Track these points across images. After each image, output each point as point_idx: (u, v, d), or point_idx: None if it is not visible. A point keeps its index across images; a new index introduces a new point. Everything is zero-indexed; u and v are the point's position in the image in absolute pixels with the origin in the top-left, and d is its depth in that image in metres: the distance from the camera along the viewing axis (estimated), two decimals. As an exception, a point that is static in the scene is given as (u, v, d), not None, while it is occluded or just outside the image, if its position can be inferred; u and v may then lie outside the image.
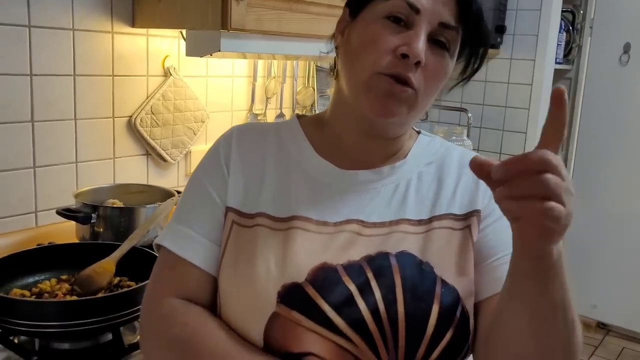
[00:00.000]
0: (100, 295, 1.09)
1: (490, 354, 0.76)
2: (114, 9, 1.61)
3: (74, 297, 1.09)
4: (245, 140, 0.88)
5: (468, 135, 2.83)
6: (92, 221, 1.37)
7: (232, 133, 0.90)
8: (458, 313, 0.76)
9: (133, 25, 1.65)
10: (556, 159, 0.54)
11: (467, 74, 0.86)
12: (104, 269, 1.13)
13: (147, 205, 1.41)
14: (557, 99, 0.56)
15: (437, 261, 0.78)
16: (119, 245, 1.21)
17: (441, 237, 0.81)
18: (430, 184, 0.86)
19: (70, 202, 1.47)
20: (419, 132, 0.94)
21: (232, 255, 0.80)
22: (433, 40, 0.78)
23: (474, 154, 0.89)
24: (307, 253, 0.77)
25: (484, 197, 0.85)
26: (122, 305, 1.02)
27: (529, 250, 0.61)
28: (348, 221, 0.81)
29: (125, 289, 1.10)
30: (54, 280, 1.16)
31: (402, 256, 0.78)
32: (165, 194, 1.54)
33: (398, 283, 0.75)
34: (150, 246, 1.27)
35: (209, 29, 1.48)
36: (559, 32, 3.12)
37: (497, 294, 0.77)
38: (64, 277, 1.18)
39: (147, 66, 1.72)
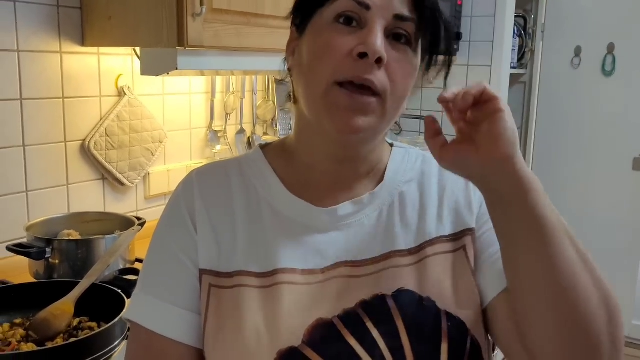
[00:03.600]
0: (59, 341, 1.01)
1: (533, 340, 0.66)
2: (61, 28, 1.52)
3: (30, 345, 1.00)
4: (208, 186, 0.79)
5: (429, 143, 2.83)
6: (46, 256, 1.28)
7: (191, 180, 0.80)
8: (468, 345, 0.71)
9: (83, 44, 1.57)
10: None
11: (430, 69, 0.78)
12: (62, 310, 1.05)
13: (107, 236, 1.33)
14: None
15: (437, 293, 0.72)
16: (77, 283, 1.12)
17: (437, 265, 0.75)
18: (413, 206, 0.80)
19: (22, 235, 1.37)
20: (391, 145, 0.86)
21: (215, 322, 0.71)
22: (392, 36, 0.71)
23: None
24: (299, 310, 0.70)
25: (478, 210, 0.80)
26: (84, 352, 0.94)
27: (499, 164, 0.63)
28: (336, 265, 0.74)
29: (87, 333, 1.02)
30: (6, 326, 1.06)
31: (400, 295, 0.71)
32: (125, 222, 1.46)
33: (401, 327, 0.69)
34: (111, 282, 1.20)
35: (164, 47, 1.42)
36: (512, 37, 3.16)
37: (505, 289, 0.72)
38: (17, 321, 1.09)
39: (99, 86, 1.63)
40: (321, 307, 0.70)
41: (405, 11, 0.70)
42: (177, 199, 0.79)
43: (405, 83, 0.72)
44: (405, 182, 0.82)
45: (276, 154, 0.83)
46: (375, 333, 0.68)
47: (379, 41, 0.68)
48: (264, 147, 0.84)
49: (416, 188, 0.81)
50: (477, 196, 0.81)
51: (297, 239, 0.75)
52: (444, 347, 0.69)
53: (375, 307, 0.70)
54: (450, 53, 0.78)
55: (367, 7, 0.69)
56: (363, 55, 0.68)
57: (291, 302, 0.70)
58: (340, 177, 0.79)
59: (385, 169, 0.82)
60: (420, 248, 0.76)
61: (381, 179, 0.81)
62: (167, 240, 0.77)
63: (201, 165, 0.84)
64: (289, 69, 0.79)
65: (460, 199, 0.81)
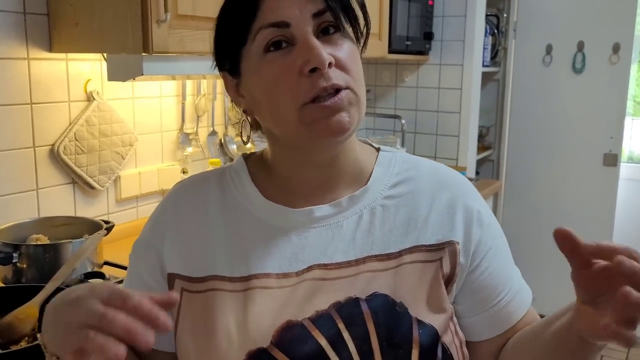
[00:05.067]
0: (23, 344, 1.03)
1: None
2: (28, 35, 1.53)
3: (-5, 348, 1.02)
4: (185, 197, 0.83)
5: (403, 141, 2.87)
6: (13, 261, 1.30)
7: (170, 193, 0.85)
8: (439, 352, 0.73)
9: (50, 50, 1.58)
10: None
11: (360, 42, 0.79)
12: (27, 314, 1.07)
13: (73, 240, 1.35)
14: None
15: (411, 300, 0.73)
16: (43, 287, 1.14)
17: (413, 272, 0.75)
18: (397, 211, 0.79)
19: (-9, 240, 1.39)
20: (378, 149, 0.86)
21: (187, 325, 0.74)
22: (322, 32, 0.73)
23: (443, 167, 0.86)
24: (270, 312, 0.71)
25: (467, 229, 0.80)
26: (47, 354, 0.96)
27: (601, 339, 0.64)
28: (310, 268, 0.75)
29: (51, 335, 1.04)
30: (-28, 330, 1.09)
31: (374, 299, 0.72)
32: (94, 225, 1.48)
33: (372, 331, 0.70)
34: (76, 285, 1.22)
35: (129, 53, 1.44)
36: (485, 35, 3.21)
37: (500, 335, 0.80)
38: (-17, 325, 1.11)
39: (68, 91, 1.65)
40: (292, 309, 0.72)
41: (318, 5, 0.72)
42: (153, 216, 0.84)
43: (356, 63, 0.74)
44: (391, 187, 0.81)
45: (256, 164, 0.84)
46: (346, 335, 0.70)
47: (321, 51, 0.69)
48: (247, 157, 0.86)
49: (402, 194, 0.81)
50: (469, 222, 0.81)
51: (273, 243, 0.77)
52: (415, 354, 0.70)
53: (348, 309, 0.71)
54: (366, 21, 0.79)
55: (287, 25, 0.71)
56: (315, 70, 0.69)
57: (262, 304, 0.72)
58: (322, 181, 0.80)
59: (371, 173, 0.82)
60: (399, 254, 0.76)
61: (365, 183, 0.81)
62: (135, 253, 0.83)
63: (172, 167, 0.87)
64: (244, 111, 0.80)
65: (447, 214, 0.80)
